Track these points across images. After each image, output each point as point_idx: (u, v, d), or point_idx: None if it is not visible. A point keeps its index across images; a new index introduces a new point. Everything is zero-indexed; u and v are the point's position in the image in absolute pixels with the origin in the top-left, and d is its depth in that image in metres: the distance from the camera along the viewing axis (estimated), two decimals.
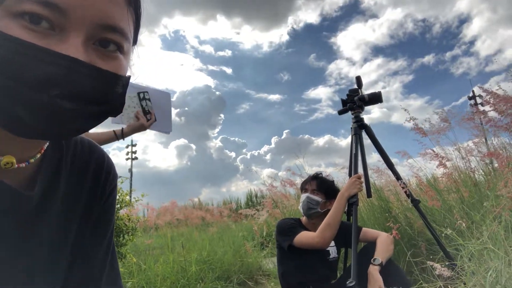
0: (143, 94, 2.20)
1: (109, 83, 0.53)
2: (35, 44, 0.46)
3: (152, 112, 2.21)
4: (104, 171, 0.78)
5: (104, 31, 0.52)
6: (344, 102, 2.72)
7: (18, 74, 0.45)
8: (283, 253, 2.47)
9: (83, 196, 0.73)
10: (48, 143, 0.65)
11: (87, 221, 0.74)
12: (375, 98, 2.64)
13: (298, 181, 4.98)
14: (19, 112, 0.46)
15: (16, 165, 0.58)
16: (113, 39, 0.53)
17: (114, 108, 0.56)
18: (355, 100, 2.65)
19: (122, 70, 0.55)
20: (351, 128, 2.67)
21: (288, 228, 2.43)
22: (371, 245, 2.36)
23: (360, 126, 2.63)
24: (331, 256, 2.49)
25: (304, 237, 2.30)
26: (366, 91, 2.66)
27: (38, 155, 0.62)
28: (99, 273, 0.77)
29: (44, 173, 0.65)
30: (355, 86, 2.70)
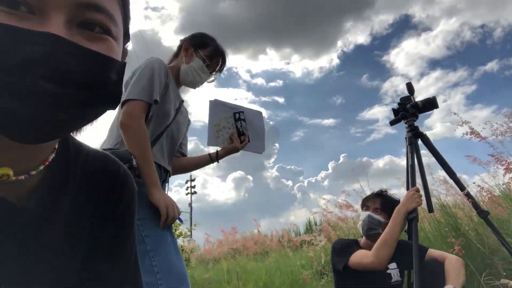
0: (239, 115, 2.15)
1: (99, 65, 0.49)
2: (12, 25, 0.43)
3: (246, 133, 2.15)
4: (118, 184, 0.73)
5: (87, 10, 0.49)
6: (396, 112, 2.55)
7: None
8: (339, 276, 2.27)
9: (94, 210, 0.69)
10: (54, 155, 0.61)
11: (99, 237, 0.70)
12: (430, 104, 2.45)
13: (359, 203, 4.74)
14: (5, 104, 0.43)
15: (14, 178, 0.54)
16: (98, 20, 0.50)
17: (110, 97, 0.52)
18: (407, 108, 2.47)
19: (113, 54, 0.52)
20: (405, 138, 2.48)
21: (343, 248, 2.26)
22: (430, 262, 2.13)
23: (415, 135, 2.43)
24: (393, 280, 2.26)
25: (359, 256, 2.12)
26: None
27: (41, 167, 0.58)
28: None
29: (44, 185, 0.61)
30: (407, 94, 2.53)
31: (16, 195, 0.57)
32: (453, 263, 2.06)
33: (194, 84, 2.00)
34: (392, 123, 2.57)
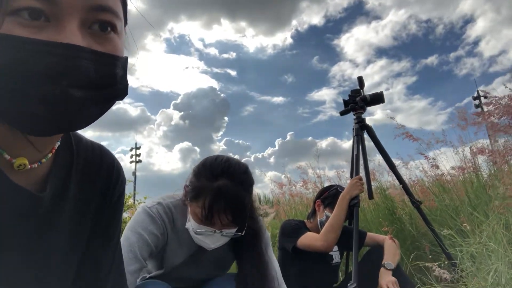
0: None
1: (109, 66, 0.53)
2: (35, 39, 0.46)
3: None
4: (114, 176, 0.80)
5: (96, 12, 0.52)
6: (346, 103, 2.68)
7: (25, 72, 0.45)
8: (286, 256, 2.41)
9: (94, 199, 0.75)
10: (59, 143, 0.66)
11: (97, 224, 0.77)
12: (377, 99, 2.60)
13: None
14: (33, 109, 0.47)
15: (29, 166, 0.59)
16: (107, 20, 0.53)
17: (119, 92, 0.57)
18: (357, 101, 2.61)
19: (118, 51, 0.56)
20: (353, 129, 2.63)
21: (292, 229, 2.38)
22: (375, 249, 2.34)
23: (361, 127, 2.60)
24: (334, 261, 2.46)
25: (308, 238, 2.26)
26: (369, 92, 2.63)
27: (49, 155, 0.63)
28: (105, 275, 0.79)
29: (55, 174, 0.66)
30: (357, 87, 2.67)
31: (29, 183, 0.61)
32: (390, 244, 2.28)
33: (205, 247, 1.35)
34: (342, 113, 2.70)
